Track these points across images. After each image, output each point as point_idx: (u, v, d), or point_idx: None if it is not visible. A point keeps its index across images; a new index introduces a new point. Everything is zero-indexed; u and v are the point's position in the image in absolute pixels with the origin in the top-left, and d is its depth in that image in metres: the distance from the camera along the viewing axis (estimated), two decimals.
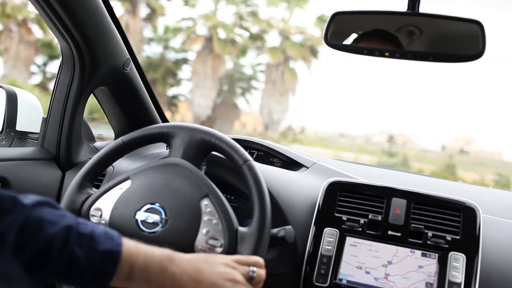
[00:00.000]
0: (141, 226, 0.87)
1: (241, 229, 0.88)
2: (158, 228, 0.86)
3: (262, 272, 0.76)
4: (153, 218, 0.87)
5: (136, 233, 0.85)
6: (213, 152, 1.01)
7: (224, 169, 1.11)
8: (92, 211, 0.91)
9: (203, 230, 0.86)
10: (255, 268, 0.76)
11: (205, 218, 0.87)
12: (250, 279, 0.74)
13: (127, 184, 0.93)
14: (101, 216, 0.90)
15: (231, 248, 0.84)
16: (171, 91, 13.22)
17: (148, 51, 13.31)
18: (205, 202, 0.88)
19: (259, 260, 0.78)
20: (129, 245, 0.67)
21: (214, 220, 0.86)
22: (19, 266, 0.59)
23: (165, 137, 0.99)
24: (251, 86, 13.24)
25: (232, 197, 1.22)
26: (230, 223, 0.87)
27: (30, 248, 0.59)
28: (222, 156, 0.97)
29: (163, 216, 0.86)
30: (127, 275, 0.65)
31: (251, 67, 13.32)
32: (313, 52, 12.65)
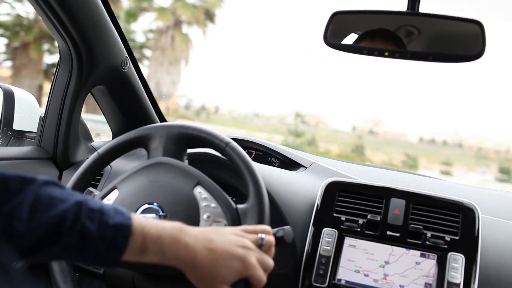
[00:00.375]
0: None
1: (240, 206, 0.89)
2: None
3: (271, 238, 0.77)
4: (152, 217, 0.86)
5: None
6: (211, 151, 1.01)
7: (222, 169, 1.11)
8: None
9: (203, 216, 0.85)
10: (263, 235, 0.76)
11: (202, 204, 0.86)
12: (259, 246, 0.75)
13: (115, 194, 0.91)
14: None
15: (235, 226, 0.84)
16: (50, 59, 11.00)
17: (20, 9, 10.78)
18: (198, 190, 0.88)
19: (266, 227, 0.78)
20: (139, 219, 0.67)
21: (212, 204, 0.87)
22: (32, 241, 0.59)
23: (142, 141, 0.98)
24: (144, 55, 11.31)
25: (231, 197, 1.21)
26: (228, 203, 0.88)
27: (43, 223, 0.59)
28: (205, 148, 0.98)
29: (161, 213, 0.86)
30: (141, 247, 0.65)
31: (143, 33, 11.41)
32: (209, 15, 10.95)
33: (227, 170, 1.12)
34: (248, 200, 0.89)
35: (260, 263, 0.73)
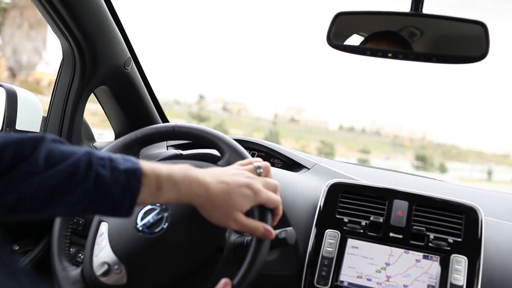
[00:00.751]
0: (147, 230, 0.84)
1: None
2: (164, 222, 0.84)
3: (265, 164, 0.81)
4: (153, 217, 0.85)
5: (150, 238, 0.83)
6: (212, 151, 1.00)
7: None
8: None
9: None
10: (258, 163, 0.80)
11: None
12: (258, 174, 0.79)
13: (104, 227, 0.88)
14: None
15: None
16: None
17: None
18: None
19: (257, 158, 0.83)
20: (148, 163, 0.70)
21: None
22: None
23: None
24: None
25: None
26: None
27: (59, 171, 0.62)
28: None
29: (160, 207, 0.85)
30: (156, 186, 0.68)
31: None
32: None
33: None
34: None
35: (266, 186, 0.77)
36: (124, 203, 0.66)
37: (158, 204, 0.86)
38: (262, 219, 0.78)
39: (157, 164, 0.70)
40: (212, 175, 0.73)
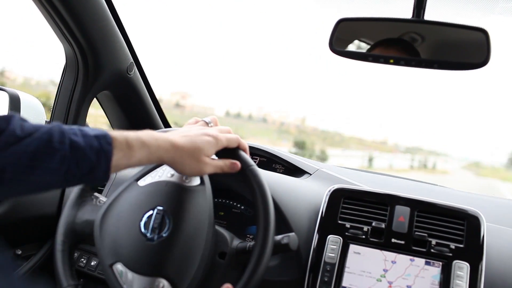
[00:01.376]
0: (149, 235, 0.83)
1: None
2: (168, 224, 0.83)
3: (213, 117, 0.91)
4: (154, 220, 0.83)
5: (163, 241, 0.82)
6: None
7: (228, 175, 1.11)
8: None
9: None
10: (206, 118, 0.89)
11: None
12: (210, 126, 0.88)
13: (120, 266, 0.84)
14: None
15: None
16: None
17: None
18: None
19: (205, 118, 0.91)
20: (113, 130, 0.75)
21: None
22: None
23: None
24: None
25: (236, 203, 1.21)
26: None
27: (36, 138, 0.66)
28: None
29: (160, 209, 0.84)
30: (127, 146, 0.72)
31: None
32: None
33: (233, 176, 1.12)
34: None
35: (221, 131, 0.86)
36: (101, 165, 0.70)
37: (156, 210, 0.85)
38: (237, 158, 0.87)
39: (122, 130, 0.75)
40: (173, 133, 0.80)
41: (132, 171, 1.26)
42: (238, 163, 0.85)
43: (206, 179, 0.90)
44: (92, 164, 0.69)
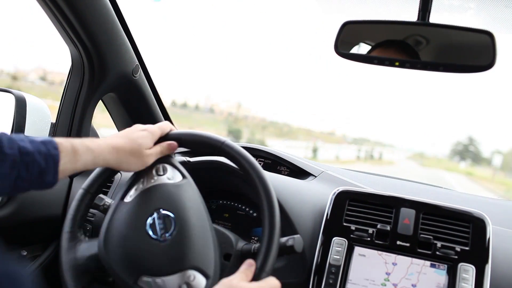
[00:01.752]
0: (160, 237, 0.83)
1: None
2: (173, 227, 0.83)
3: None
4: (158, 221, 0.84)
5: (172, 239, 0.83)
6: (222, 159, 1.00)
7: (233, 177, 1.11)
8: None
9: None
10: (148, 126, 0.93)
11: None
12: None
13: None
14: None
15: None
16: None
17: None
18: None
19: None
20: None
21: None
22: None
23: None
24: None
25: (240, 205, 1.22)
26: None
27: None
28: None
29: (159, 211, 0.85)
30: (72, 150, 0.76)
31: None
32: None
33: (238, 178, 1.12)
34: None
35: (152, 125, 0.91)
36: (49, 169, 0.72)
37: (155, 213, 0.85)
38: (205, 138, 0.92)
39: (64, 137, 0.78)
40: (112, 137, 0.85)
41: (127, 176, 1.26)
42: (174, 143, 0.91)
43: (186, 174, 0.91)
44: (41, 168, 0.72)
